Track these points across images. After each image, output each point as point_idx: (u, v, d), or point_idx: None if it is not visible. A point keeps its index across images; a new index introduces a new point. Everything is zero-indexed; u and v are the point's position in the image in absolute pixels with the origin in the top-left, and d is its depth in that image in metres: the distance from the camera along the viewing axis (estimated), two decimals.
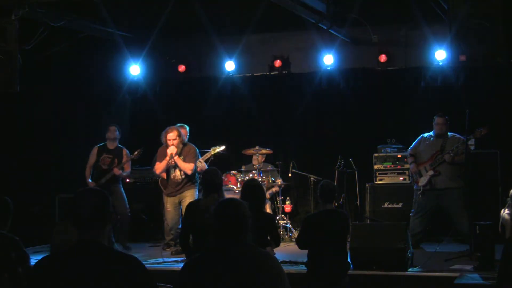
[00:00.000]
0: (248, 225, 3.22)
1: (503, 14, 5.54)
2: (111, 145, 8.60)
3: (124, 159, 8.58)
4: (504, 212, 6.75)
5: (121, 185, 8.59)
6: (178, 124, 8.90)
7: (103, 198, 3.03)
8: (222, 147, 8.78)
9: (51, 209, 9.67)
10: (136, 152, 8.59)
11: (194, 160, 8.15)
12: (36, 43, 8.51)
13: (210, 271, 3.09)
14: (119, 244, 8.50)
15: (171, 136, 8.13)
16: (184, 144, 8.23)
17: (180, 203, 8.17)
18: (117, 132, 8.65)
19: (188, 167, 8.07)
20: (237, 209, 3.22)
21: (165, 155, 8.21)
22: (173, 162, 8.11)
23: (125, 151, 8.63)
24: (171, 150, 8.10)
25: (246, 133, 10.55)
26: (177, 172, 8.18)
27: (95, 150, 8.65)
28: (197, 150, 8.34)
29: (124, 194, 8.54)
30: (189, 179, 8.15)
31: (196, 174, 8.27)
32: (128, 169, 8.62)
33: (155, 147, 9.02)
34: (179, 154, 8.15)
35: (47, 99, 9.98)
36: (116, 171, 8.38)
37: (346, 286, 5.45)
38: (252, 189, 5.53)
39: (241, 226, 3.19)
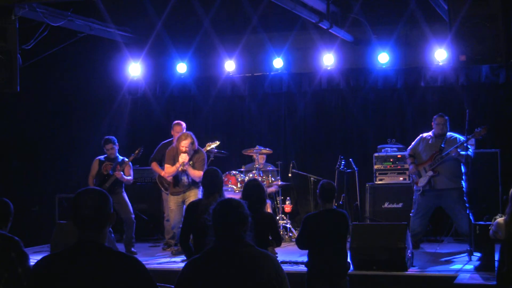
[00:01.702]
0: (248, 224, 3.22)
1: (503, 14, 5.54)
2: (111, 155, 8.60)
3: (126, 168, 8.52)
4: (499, 218, 6.61)
5: (124, 189, 8.58)
6: (175, 122, 8.91)
7: (104, 198, 3.02)
8: (217, 143, 8.79)
9: (51, 209, 9.68)
10: (137, 151, 8.58)
11: (203, 167, 8.04)
12: (36, 43, 8.51)
13: (210, 271, 3.09)
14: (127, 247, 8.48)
15: (185, 144, 7.98)
16: (195, 151, 8.13)
17: (183, 202, 8.15)
18: (114, 145, 8.59)
19: (197, 175, 7.97)
20: (236, 209, 3.22)
21: (174, 158, 8.12)
22: (183, 169, 8.05)
23: (126, 161, 8.54)
24: (183, 158, 7.97)
25: (246, 133, 10.55)
26: (184, 178, 8.15)
27: (96, 162, 8.59)
28: (206, 157, 8.30)
29: (127, 199, 8.51)
30: (194, 181, 8.14)
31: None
32: (128, 174, 8.56)
33: (155, 147, 9.03)
34: (189, 160, 8.06)
35: (47, 99, 9.98)
36: (117, 174, 8.38)
37: (346, 286, 5.45)
38: (253, 189, 5.53)
39: (240, 226, 3.19)
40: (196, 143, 8.12)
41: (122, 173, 8.40)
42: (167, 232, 8.71)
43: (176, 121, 8.95)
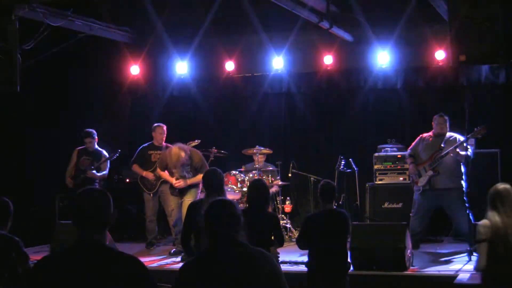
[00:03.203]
0: (240, 224, 3.19)
1: (503, 14, 5.54)
2: (90, 148, 8.95)
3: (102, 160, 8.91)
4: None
5: (98, 185, 8.84)
6: (155, 124, 9.00)
7: (104, 198, 3.02)
8: (196, 142, 8.85)
9: (51, 209, 9.67)
10: (111, 154, 8.90)
11: (205, 165, 8.08)
12: (36, 43, 8.51)
13: (205, 272, 3.08)
14: None
15: (182, 159, 7.91)
16: (190, 157, 8.06)
17: (182, 202, 8.17)
18: (93, 139, 8.93)
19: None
20: (227, 209, 3.20)
21: (166, 167, 8.24)
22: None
23: (104, 154, 8.94)
24: (180, 185, 8.03)
25: (246, 133, 10.54)
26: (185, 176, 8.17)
27: (75, 153, 8.99)
28: (201, 154, 8.30)
29: None
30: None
31: None
32: (104, 169, 8.90)
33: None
34: (189, 165, 8.04)
35: (47, 99, 9.98)
36: (89, 173, 8.71)
37: (346, 286, 5.45)
38: (257, 189, 5.54)
39: (232, 225, 3.16)
40: (187, 151, 8.04)
41: (95, 171, 8.74)
42: (150, 233, 8.98)
43: (156, 124, 9.03)
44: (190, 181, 8.04)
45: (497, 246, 4.70)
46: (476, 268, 4.90)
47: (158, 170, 8.46)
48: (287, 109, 10.56)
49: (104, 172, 8.88)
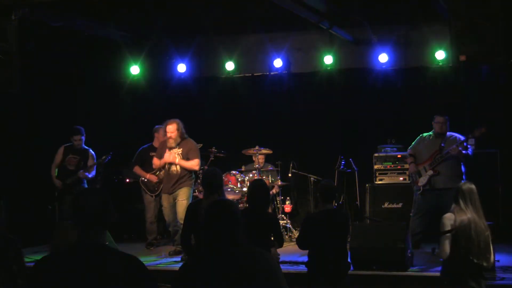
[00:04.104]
0: (241, 225, 3.19)
1: (503, 14, 5.54)
2: (77, 146, 8.83)
3: (90, 161, 8.80)
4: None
5: (85, 185, 8.81)
6: (157, 126, 9.07)
7: (105, 198, 3.02)
8: (199, 145, 8.88)
9: (51, 209, 9.66)
10: (104, 157, 8.78)
11: (198, 154, 8.15)
12: (36, 43, 8.51)
13: (205, 272, 3.07)
14: None
15: (170, 128, 8.08)
16: (183, 138, 8.17)
17: (175, 200, 8.16)
18: (82, 137, 8.83)
19: (193, 164, 8.06)
20: (228, 209, 3.20)
21: (162, 150, 8.21)
22: (176, 168, 8.07)
23: (91, 153, 8.84)
24: (169, 158, 8.05)
25: (246, 133, 10.53)
26: (173, 167, 8.17)
27: (61, 150, 8.84)
28: (196, 144, 8.34)
29: None
30: (184, 174, 8.15)
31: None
32: (91, 172, 8.81)
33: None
34: (177, 146, 8.10)
35: (47, 99, 9.98)
36: (82, 174, 8.62)
37: (346, 286, 5.45)
38: (257, 189, 5.55)
39: (233, 226, 3.16)
40: (183, 129, 8.15)
41: (86, 173, 8.66)
42: (150, 234, 8.99)
43: (159, 125, 9.04)
44: (179, 161, 8.05)
45: (459, 238, 5.09)
46: (440, 257, 5.29)
47: (155, 159, 8.41)
48: (287, 109, 10.54)
49: (92, 174, 8.82)
